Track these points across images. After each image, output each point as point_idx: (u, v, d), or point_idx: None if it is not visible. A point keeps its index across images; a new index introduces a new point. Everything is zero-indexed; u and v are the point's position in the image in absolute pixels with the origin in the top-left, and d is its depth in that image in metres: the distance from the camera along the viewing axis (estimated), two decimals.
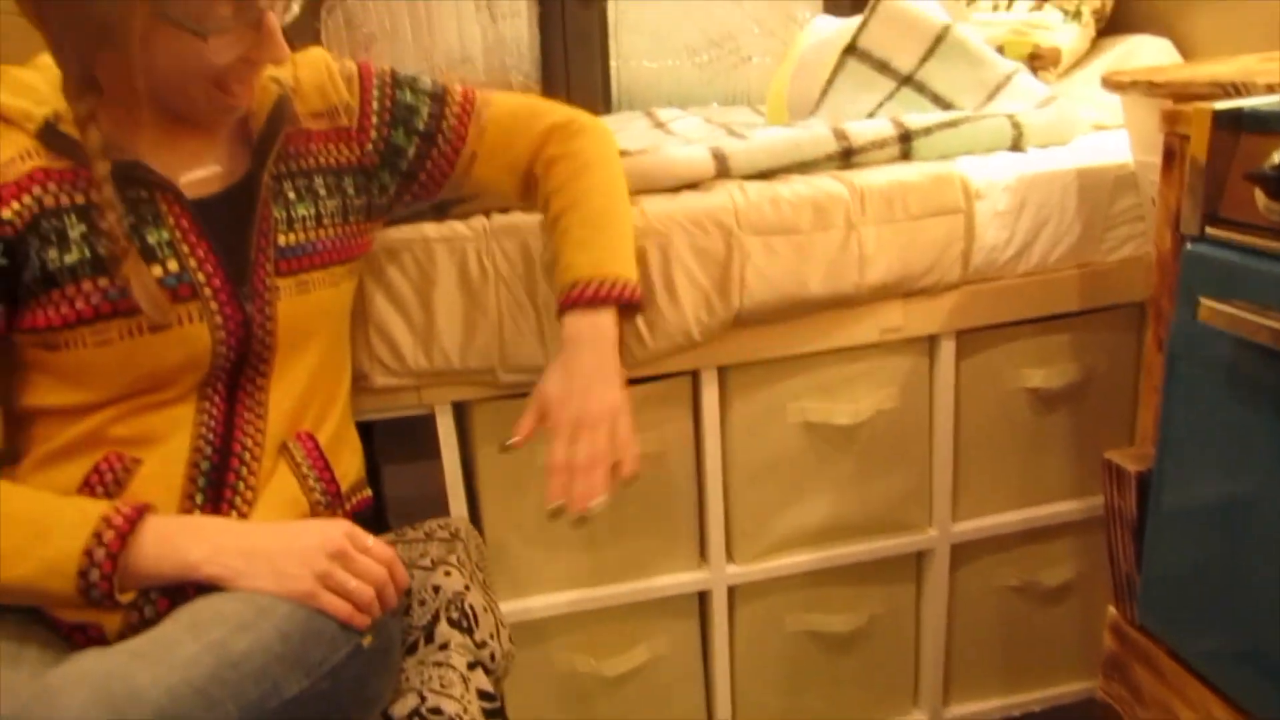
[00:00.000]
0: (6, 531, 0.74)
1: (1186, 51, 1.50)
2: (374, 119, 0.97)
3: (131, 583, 0.76)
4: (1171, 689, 0.89)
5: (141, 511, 0.77)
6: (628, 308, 0.95)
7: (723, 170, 1.22)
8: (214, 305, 0.84)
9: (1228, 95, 0.96)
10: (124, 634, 0.79)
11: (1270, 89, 0.86)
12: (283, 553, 0.78)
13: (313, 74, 0.96)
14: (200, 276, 0.84)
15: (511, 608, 1.25)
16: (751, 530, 1.31)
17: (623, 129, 2.03)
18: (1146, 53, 1.50)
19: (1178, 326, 0.81)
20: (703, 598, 1.35)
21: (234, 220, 0.86)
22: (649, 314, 1.14)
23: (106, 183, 0.78)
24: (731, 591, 1.33)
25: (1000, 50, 1.51)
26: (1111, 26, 1.60)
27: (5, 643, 0.75)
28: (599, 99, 2.32)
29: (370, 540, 0.83)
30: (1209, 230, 0.78)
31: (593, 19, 2.29)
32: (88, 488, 0.82)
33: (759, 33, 2.39)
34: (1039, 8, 1.54)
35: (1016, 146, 1.32)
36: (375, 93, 0.97)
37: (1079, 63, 1.56)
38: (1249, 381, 0.75)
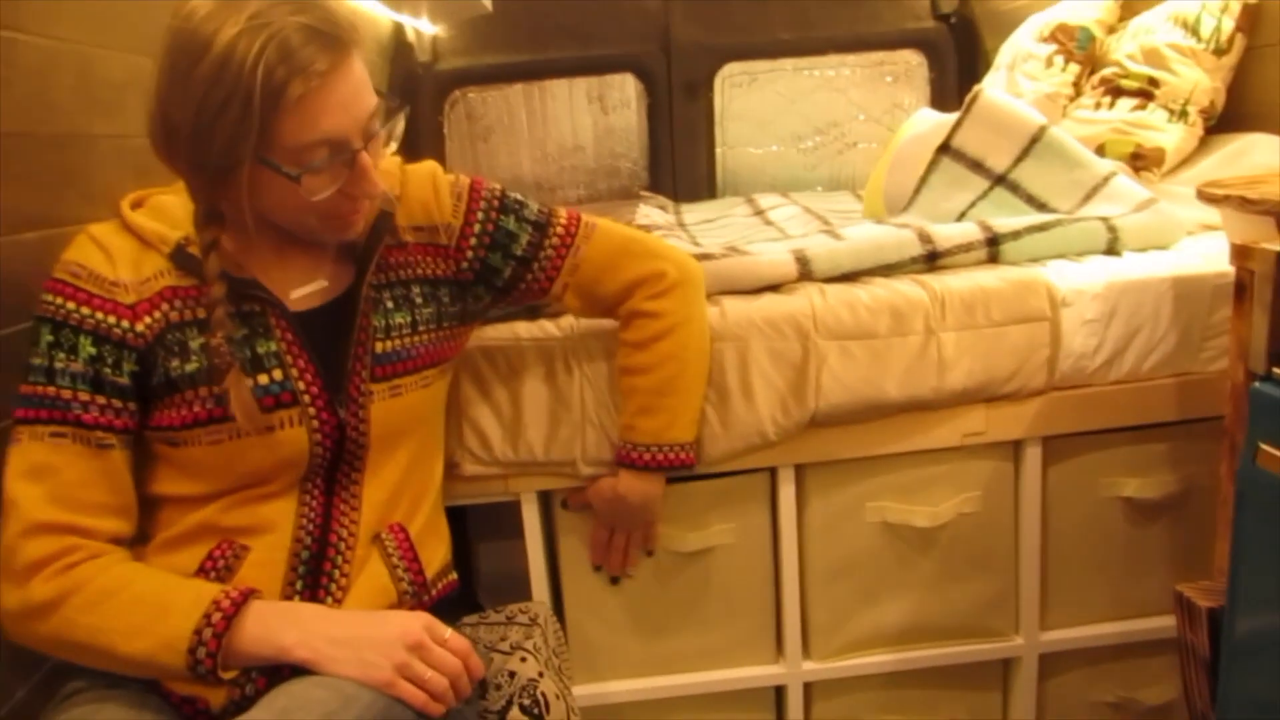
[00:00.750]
0: (135, 609, 0.85)
1: None
2: (473, 240, 1.04)
3: (234, 661, 0.85)
4: None
5: (246, 596, 0.86)
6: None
7: (805, 273, 1.26)
8: (312, 411, 0.93)
9: None
10: (226, 708, 0.87)
11: None
12: (366, 642, 0.85)
13: (419, 189, 1.03)
14: (300, 385, 0.93)
15: (587, 691, 1.29)
16: (829, 627, 1.31)
17: (724, 214, 2.09)
18: (1259, 152, 1.45)
19: (1244, 464, 0.79)
20: (779, 693, 1.35)
21: (334, 331, 0.96)
22: (723, 413, 1.18)
23: (220, 306, 0.88)
24: (808, 688, 1.33)
25: (1100, 150, 1.50)
26: (1224, 123, 1.55)
27: (125, 710, 0.85)
28: (704, 185, 2.40)
29: (448, 633, 0.89)
30: (1275, 370, 0.77)
31: (699, 110, 2.39)
32: (203, 572, 0.91)
33: (864, 120, 2.43)
34: (1142, 106, 1.51)
35: (1112, 250, 1.30)
36: (480, 214, 1.04)
37: (1186, 161, 1.52)
38: None
